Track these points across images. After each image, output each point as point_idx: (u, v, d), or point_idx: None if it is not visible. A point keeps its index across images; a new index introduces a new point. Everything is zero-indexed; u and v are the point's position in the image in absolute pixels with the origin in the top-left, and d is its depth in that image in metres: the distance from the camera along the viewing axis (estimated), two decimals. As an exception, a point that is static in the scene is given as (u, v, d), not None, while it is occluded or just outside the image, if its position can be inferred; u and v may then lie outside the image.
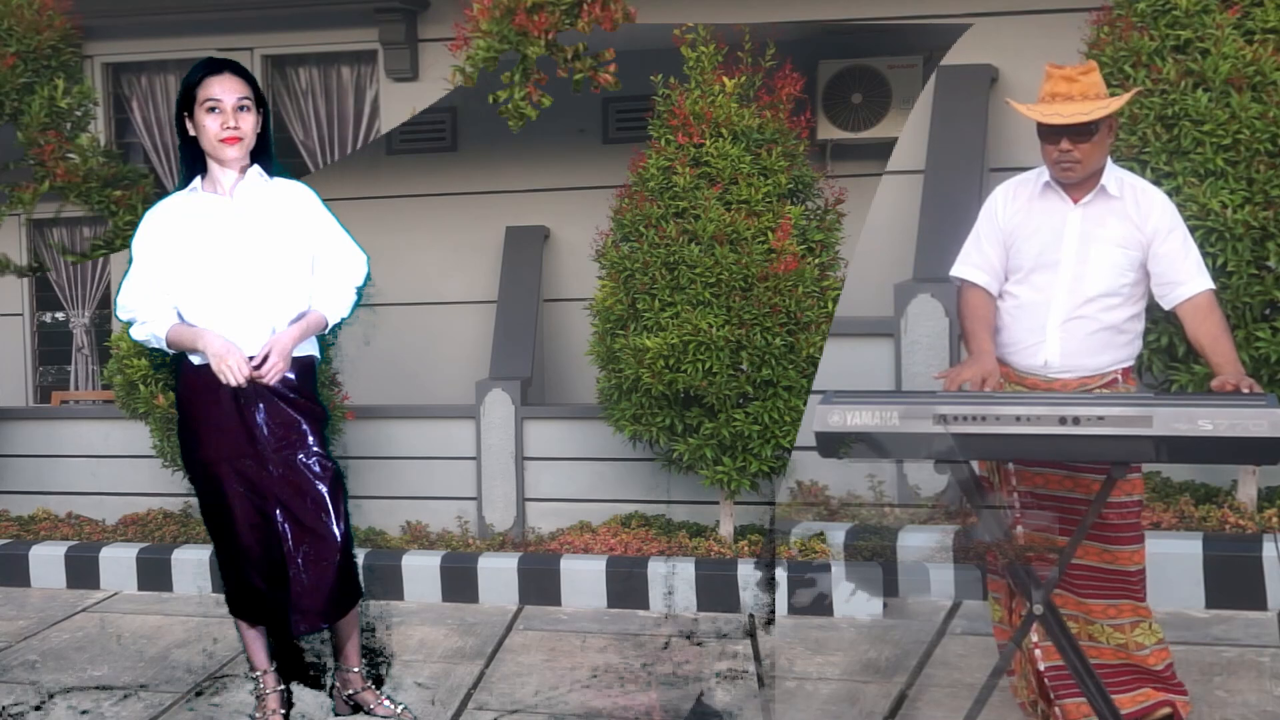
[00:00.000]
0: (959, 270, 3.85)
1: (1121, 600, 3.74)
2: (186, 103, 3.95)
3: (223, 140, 3.91)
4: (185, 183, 4.03)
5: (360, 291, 4.11)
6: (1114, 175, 3.70)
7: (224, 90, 3.90)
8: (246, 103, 3.92)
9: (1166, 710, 3.71)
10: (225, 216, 3.96)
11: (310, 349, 4.06)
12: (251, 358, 3.88)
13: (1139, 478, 3.76)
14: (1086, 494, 3.64)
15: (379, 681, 4.42)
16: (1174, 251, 3.65)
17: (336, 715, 4.28)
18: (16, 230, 8.14)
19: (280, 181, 4.06)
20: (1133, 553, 3.73)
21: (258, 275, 3.93)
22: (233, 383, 3.86)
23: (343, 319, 4.09)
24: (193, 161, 4.01)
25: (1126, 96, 3.69)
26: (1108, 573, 3.72)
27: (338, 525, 4.00)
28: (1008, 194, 3.81)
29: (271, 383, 3.89)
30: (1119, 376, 3.73)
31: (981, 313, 3.79)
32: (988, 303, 3.80)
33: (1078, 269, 3.66)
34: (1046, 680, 3.72)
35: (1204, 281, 3.67)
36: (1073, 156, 3.62)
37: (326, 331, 4.11)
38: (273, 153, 4.09)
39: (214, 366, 3.87)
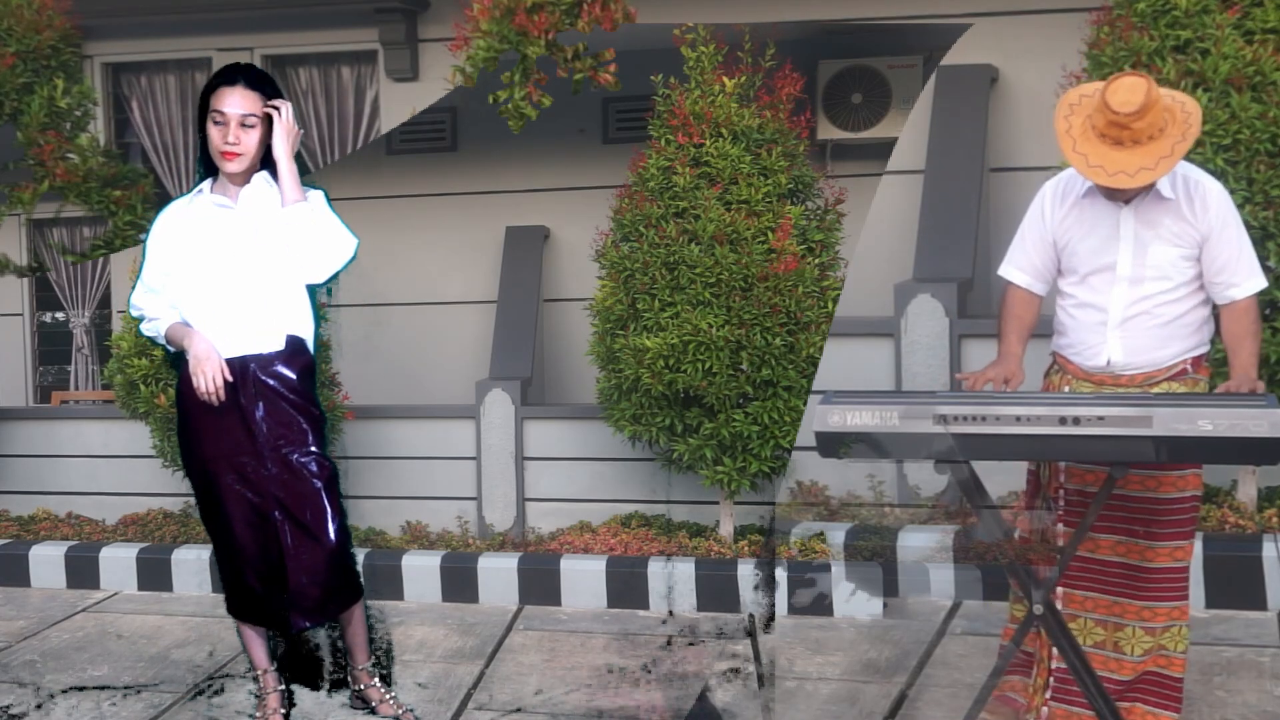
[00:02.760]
0: (1003, 271, 3.83)
1: (1157, 603, 3.68)
2: (203, 108, 3.99)
3: (222, 154, 3.95)
4: (200, 182, 4.08)
5: (337, 274, 4.05)
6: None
7: (231, 104, 3.93)
8: (253, 119, 3.94)
9: None
10: (227, 220, 4.00)
11: (310, 345, 4.07)
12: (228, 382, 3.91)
13: (1195, 474, 3.68)
14: (1140, 490, 3.62)
15: (387, 681, 4.43)
16: (1227, 251, 3.59)
17: (349, 709, 4.31)
18: (16, 230, 8.14)
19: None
20: (1173, 549, 3.67)
21: (253, 279, 3.96)
22: (202, 387, 3.89)
23: (323, 276, 4.00)
24: (210, 162, 4.04)
25: (1187, 145, 3.45)
26: (1146, 571, 3.68)
27: (333, 523, 4.03)
28: (1056, 195, 3.73)
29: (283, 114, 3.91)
30: (1188, 367, 3.66)
31: (1017, 312, 3.78)
32: (1027, 303, 3.78)
33: (1135, 270, 3.61)
34: (1052, 678, 3.70)
35: (1255, 283, 3.62)
36: (1120, 193, 3.55)
37: (302, 269, 3.99)
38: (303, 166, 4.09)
39: (190, 368, 3.91)
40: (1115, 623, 3.73)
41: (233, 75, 3.99)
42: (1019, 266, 3.80)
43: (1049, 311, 3.87)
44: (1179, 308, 3.63)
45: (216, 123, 3.94)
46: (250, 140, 3.95)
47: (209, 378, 3.90)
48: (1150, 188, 3.56)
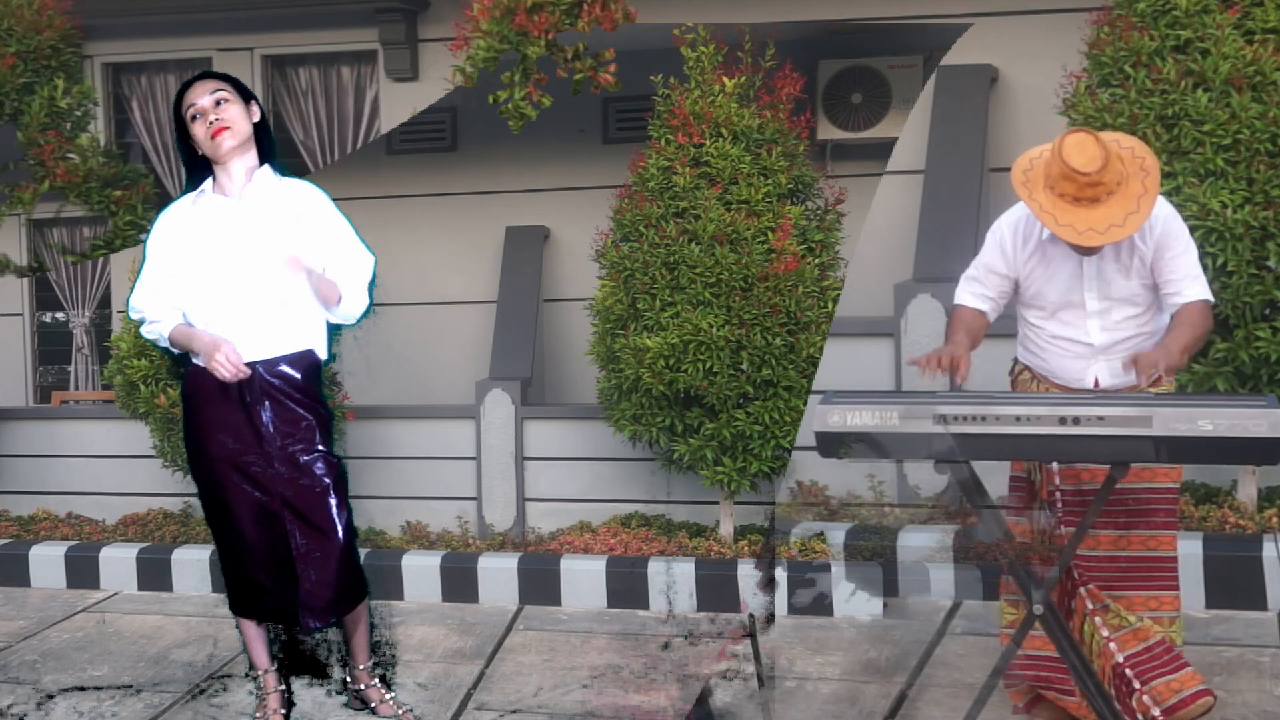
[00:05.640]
0: (963, 299, 3.84)
1: (1163, 591, 3.74)
2: (180, 123, 4.01)
3: (212, 136, 3.94)
4: (193, 188, 4.06)
5: (371, 293, 4.10)
6: None
7: (199, 93, 3.97)
8: (223, 95, 3.96)
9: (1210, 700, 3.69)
10: (232, 219, 3.98)
11: (318, 348, 4.07)
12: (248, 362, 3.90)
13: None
14: (1137, 481, 3.64)
15: (387, 682, 4.43)
16: (1171, 266, 3.66)
17: (348, 709, 4.31)
18: (16, 230, 8.14)
19: (290, 182, 4.07)
20: (1171, 538, 3.76)
21: (263, 278, 3.94)
22: (225, 375, 3.87)
23: (356, 319, 4.08)
24: (200, 170, 4.03)
25: (1154, 191, 3.50)
26: (1151, 560, 3.73)
27: (342, 522, 4.04)
28: (1016, 237, 3.76)
29: (294, 270, 3.87)
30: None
31: (969, 324, 3.81)
32: (979, 319, 3.83)
33: (1102, 305, 3.70)
34: (1129, 670, 3.64)
35: (1196, 292, 3.67)
36: (1092, 250, 3.62)
37: (333, 326, 4.08)
38: (273, 146, 4.10)
39: (206, 364, 3.89)
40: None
41: (190, 80, 4.04)
42: (980, 296, 3.84)
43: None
44: (1153, 323, 3.74)
45: (194, 117, 3.95)
46: (231, 113, 3.94)
47: (227, 362, 3.86)
48: None
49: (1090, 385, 3.73)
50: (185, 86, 4.01)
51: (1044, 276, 3.73)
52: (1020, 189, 3.59)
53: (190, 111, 3.96)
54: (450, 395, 7.18)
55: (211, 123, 3.92)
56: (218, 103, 3.94)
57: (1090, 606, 3.69)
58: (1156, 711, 3.57)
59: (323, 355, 4.09)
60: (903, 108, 7.06)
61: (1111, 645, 3.67)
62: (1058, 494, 3.75)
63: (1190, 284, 3.67)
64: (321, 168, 7.91)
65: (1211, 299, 3.73)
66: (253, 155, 4.01)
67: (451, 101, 7.39)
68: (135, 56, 8.17)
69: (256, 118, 4.02)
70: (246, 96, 4.02)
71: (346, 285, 4.02)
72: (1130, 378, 3.67)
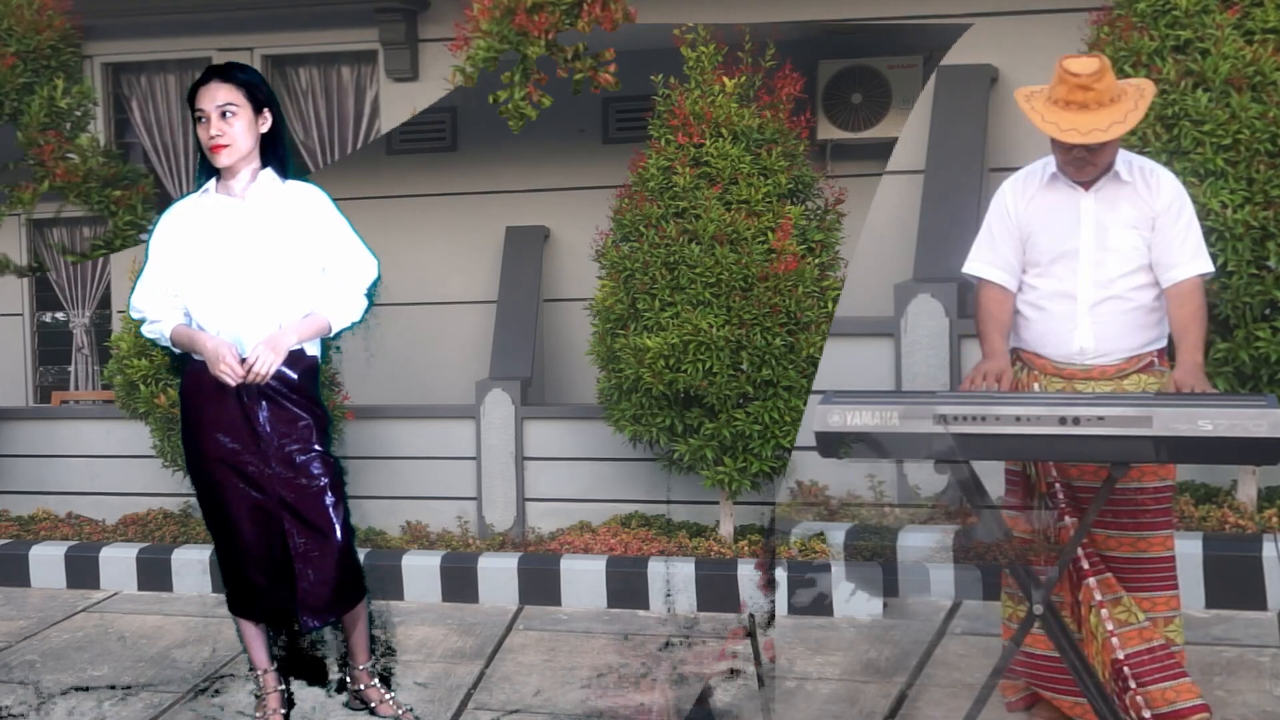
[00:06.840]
0: (971, 268, 3.84)
1: (1156, 593, 3.73)
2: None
3: (211, 149, 3.95)
4: (200, 184, 4.07)
5: (371, 296, 4.10)
6: (1123, 159, 3.70)
7: (208, 100, 3.95)
8: (232, 108, 3.93)
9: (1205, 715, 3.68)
10: (236, 219, 3.99)
11: (312, 350, 4.07)
12: (244, 359, 3.90)
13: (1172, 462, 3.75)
14: (1125, 481, 3.61)
15: (386, 681, 4.43)
16: (1174, 234, 3.67)
17: (348, 709, 4.31)
18: (16, 230, 8.14)
19: (293, 184, 4.07)
20: (1165, 538, 3.75)
21: (266, 278, 3.95)
22: (230, 381, 3.88)
23: (352, 324, 4.09)
24: (209, 167, 4.04)
25: (1143, 108, 3.61)
26: (1141, 562, 3.72)
27: (340, 522, 4.04)
28: (1016, 188, 3.81)
29: (261, 372, 3.87)
30: (1154, 359, 3.73)
31: (995, 311, 3.79)
32: (1002, 301, 3.80)
33: (1097, 255, 3.67)
34: (1127, 667, 3.62)
35: (1196, 267, 3.68)
36: (1088, 161, 3.64)
37: (331, 335, 4.10)
38: (286, 154, 4.10)
39: (211, 370, 3.90)
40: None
41: (206, 75, 4.01)
42: (989, 262, 3.82)
43: None
44: (1143, 295, 3.70)
45: (199, 121, 3.95)
46: (235, 130, 3.93)
47: (231, 370, 3.87)
48: (1110, 172, 3.67)
49: (1076, 352, 3.70)
50: (199, 83, 3.98)
51: (1043, 224, 3.73)
52: (1022, 105, 3.67)
53: (197, 114, 3.96)
54: (450, 395, 7.18)
55: (212, 136, 3.92)
56: (223, 114, 3.93)
57: (1098, 598, 3.67)
58: (1148, 715, 3.56)
59: (314, 351, 4.08)
60: (903, 108, 7.06)
61: (1114, 640, 3.66)
62: (1056, 485, 3.75)
63: (1193, 258, 3.67)
64: (321, 168, 7.92)
65: (1211, 268, 3.73)
66: (253, 160, 4.01)
67: (451, 101, 7.39)
68: (135, 56, 8.17)
69: (266, 127, 4.00)
70: (260, 104, 3.99)
71: (343, 290, 4.03)
72: (1115, 349, 3.68)
